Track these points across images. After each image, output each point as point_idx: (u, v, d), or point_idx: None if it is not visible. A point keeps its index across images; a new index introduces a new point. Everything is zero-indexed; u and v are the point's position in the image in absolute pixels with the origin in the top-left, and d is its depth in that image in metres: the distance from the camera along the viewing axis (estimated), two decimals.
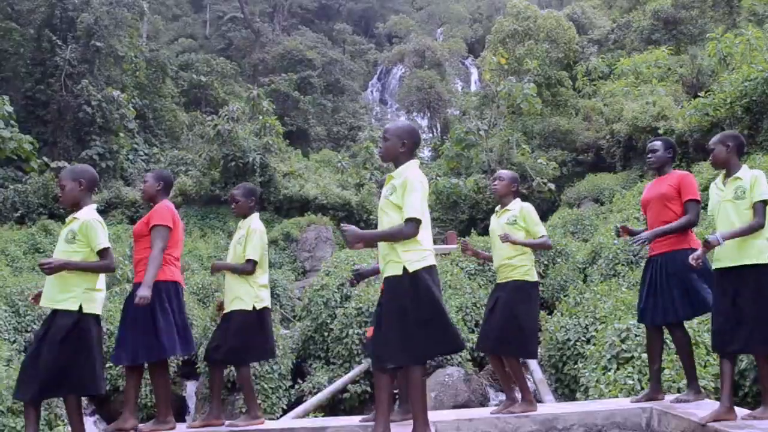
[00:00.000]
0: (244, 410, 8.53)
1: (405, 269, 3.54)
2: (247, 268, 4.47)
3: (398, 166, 3.75)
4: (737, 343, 3.83)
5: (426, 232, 3.67)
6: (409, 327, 3.48)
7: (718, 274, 3.98)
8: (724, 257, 3.91)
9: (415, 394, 3.57)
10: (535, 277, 4.60)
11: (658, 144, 4.66)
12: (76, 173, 4.18)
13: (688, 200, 4.39)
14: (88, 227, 3.99)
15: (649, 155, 4.67)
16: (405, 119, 34.18)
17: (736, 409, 3.90)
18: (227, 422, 4.46)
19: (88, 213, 4.08)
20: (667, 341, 4.88)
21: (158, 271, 4.16)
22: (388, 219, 3.66)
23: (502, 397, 5.24)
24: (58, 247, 4.05)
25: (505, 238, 4.49)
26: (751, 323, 3.75)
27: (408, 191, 3.56)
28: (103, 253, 3.98)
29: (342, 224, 3.61)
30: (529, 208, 4.66)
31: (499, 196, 4.79)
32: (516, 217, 4.62)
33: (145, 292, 3.99)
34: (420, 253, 3.58)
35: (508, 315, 4.48)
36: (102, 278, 4.12)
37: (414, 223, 3.53)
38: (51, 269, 3.81)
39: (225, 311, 4.52)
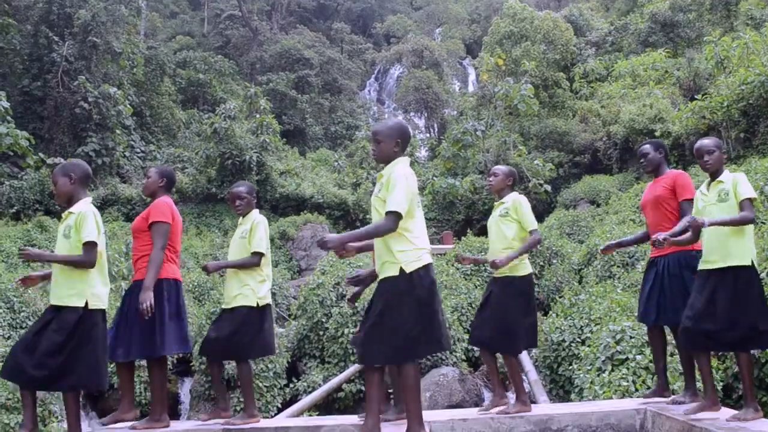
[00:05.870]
0: (239, 408, 8.54)
1: (402, 270, 3.53)
2: (254, 261, 4.45)
3: (388, 164, 3.77)
4: (707, 342, 3.87)
5: (422, 232, 3.68)
6: (399, 326, 3.47)
7: (702, 274, 3.99)
8: (713, 258, 3.93)
9: (410, 393, 3.57)
10: (526, 270, 4.60)
11: (647, 147, 4.72)
12: (66, 168, 4.17)
13: (684, 200, 4.42)
14: (81, 219, 3.97)
15: (642, 160, 4.73)
16: (402, 119, 34.15)
17: (723, 409, 3.94)
18: (223, 421, 4.45)
19: (83, 206, 4.05)
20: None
21: (159, 271, 4.16)
22: (378, 216, 3.67)
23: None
24: (57, 243, 4.04)
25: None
26: (724, 323, 3.78)
27: (391, 186, 3.56)
28: (86, 245, 3.91)
29: (317, 240, 3.58)
30: (521, 200, 4.66)
31: (494, 191, 4.82)
32: (508, 209, 4.63)
33: (146, 296, 4.00)
34: (416, 253, 3.58)
35: (498, 312, 4.52)
36: (106, 274, 4.09)
37: (393, 216, 3.51)
38: (27, 256, 3.87)
39: (227, 306, 4.50)
